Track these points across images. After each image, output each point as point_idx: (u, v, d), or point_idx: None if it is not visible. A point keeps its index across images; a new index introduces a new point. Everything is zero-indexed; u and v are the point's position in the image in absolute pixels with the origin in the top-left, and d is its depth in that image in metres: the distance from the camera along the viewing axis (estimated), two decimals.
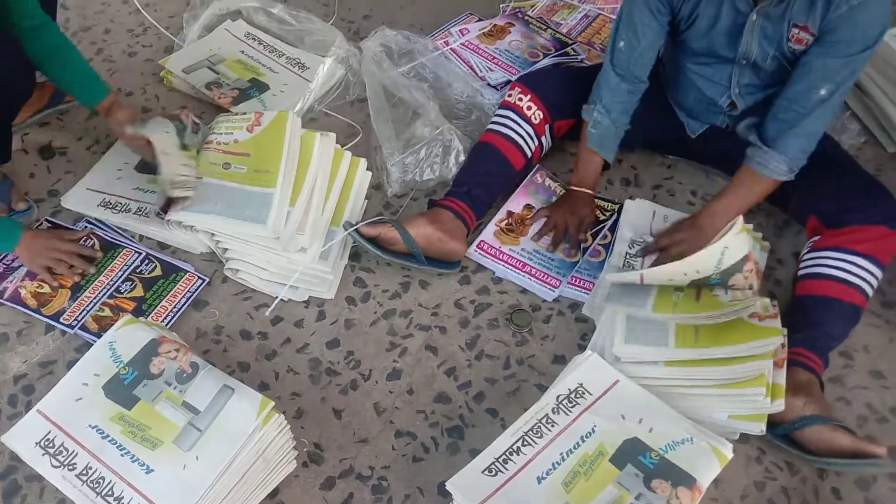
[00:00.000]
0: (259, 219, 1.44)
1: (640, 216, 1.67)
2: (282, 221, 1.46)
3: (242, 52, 2.02)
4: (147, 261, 1.54)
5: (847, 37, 1.33)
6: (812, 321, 1.40)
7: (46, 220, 1.63)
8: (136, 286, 1.50)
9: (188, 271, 1.53)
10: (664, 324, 1.33)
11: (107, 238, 1.58)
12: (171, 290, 1.50)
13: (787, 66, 1.46)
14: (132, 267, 1.53)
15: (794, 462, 1.31)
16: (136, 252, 1.55)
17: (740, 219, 1.29)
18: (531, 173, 1.75)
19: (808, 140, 1.43)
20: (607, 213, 1.69)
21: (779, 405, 1.24)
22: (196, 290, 1.51)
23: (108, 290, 1.49)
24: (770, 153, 1.43)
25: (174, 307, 1.48)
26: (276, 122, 1.58)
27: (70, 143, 1.80)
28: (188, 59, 1.97)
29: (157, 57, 2.03)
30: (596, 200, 1.70)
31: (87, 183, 1.68)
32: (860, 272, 1.41)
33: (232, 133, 1.60)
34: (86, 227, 1.61)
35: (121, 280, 1.51)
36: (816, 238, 1.50)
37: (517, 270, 1.57)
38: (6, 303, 1.47)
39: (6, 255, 1.53)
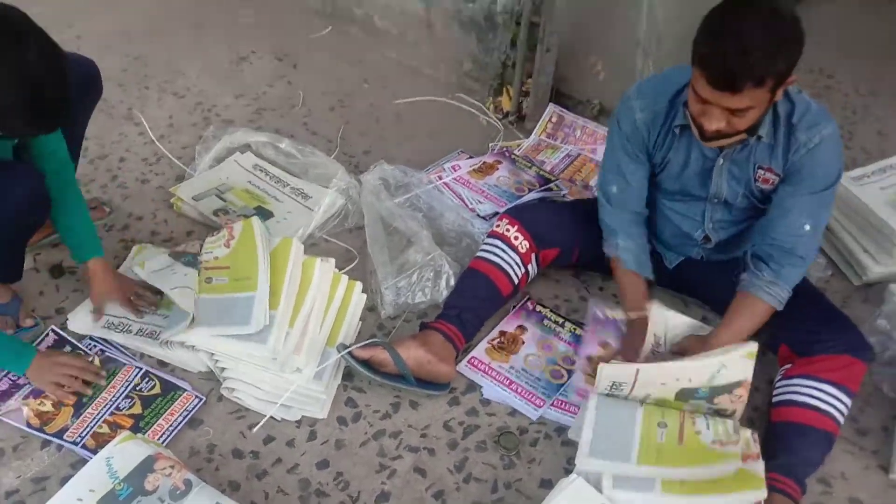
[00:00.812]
0: (244, 321, 1.52)
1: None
2: (281, 342, 1.53)
3: (250, 182, 2.16)
4: (147, 378, 1.59)
5: (811, 174, 1.48)
6: (788, 448, 1.46)
7: (52, 329, 1.69)
8: (134, 403, 1.55)
9: (186, 390, 1.58)
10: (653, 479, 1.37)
11: (109, 355, 1.64)
12: (169, 408, 1.54)
13: (758, 204, 1.60)
14: (132, 384, 1.58)
15: None
16: (136, 368, 1.61)
17: (753, 345, 1.37)
18: (522, 301, 1.85)
19: (804, 267, 1.55)
20: None
21: None
22: (193, 408, 1.55)
23: (110, 407, 1.53)
24: (774, 283, 1.52)
25: (170, 426, 1.51)
26: (245, 231, 1.71)
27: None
28: (198, 187, 2.11)
29: (168, 185, 2.17)
30: (576, 327, 1.79)
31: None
32: (830, 399, 1.48)
33: (212, 251, 1.72)
34: (91, 345, 1.67)
35: (121, 397, 1.55)
36: (788, 366, 1.58)
37: (503, 386, 1.64)
38: (7, 420, 1.50)
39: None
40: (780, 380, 1.57)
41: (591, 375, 1.56)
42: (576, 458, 1.38)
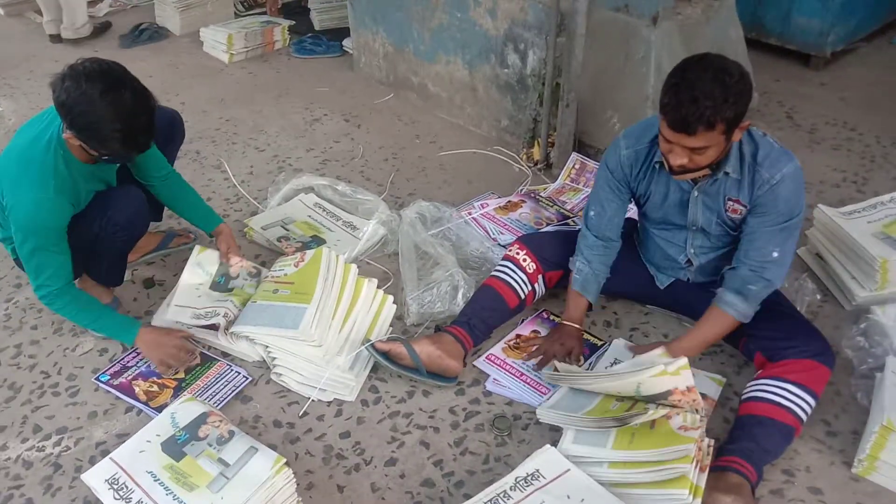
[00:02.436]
0: (294, 326, 1.84)
1: (624, 354, 1.98)
2: (332, 342, 1.87)
3: (309, 216, 2.56)
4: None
5: (774, 208, 1.69)
6: (748, 435, 1.63)
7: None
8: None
9: (239, 372, 1.93)
10: (607, 431, 1.60)
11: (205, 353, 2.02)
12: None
13: (730, 231, 1.82)
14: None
15: None
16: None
17: (666, 365, 1.56)
18: (538, 312, 2.13)
19: (771, 288, 1.74)
20: (599, 345, 2.02)
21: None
22: (240, 385, 1.89)
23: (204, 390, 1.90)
24: (738, 298, 1.73)
25: (221, 395, 1.87)
26: (314, 259, 2.04)
27: (167, 278, 2.31)
28: (267, 219, 2.52)
29: (243, 218, 2.59)
30: (584, 336, 2.03)
31: (175, 301, 2.13)
32: (792, 397, 1.65)
33: (283, 269, 2.08)
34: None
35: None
36: (760, 371, 1.76)
37: (515, 378, 1.90)
38: (118, 393, 1.87)
39: (125, 356, 1.98)
40: (750, 381, 1.75)
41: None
42: (537, 410, 1.67)
